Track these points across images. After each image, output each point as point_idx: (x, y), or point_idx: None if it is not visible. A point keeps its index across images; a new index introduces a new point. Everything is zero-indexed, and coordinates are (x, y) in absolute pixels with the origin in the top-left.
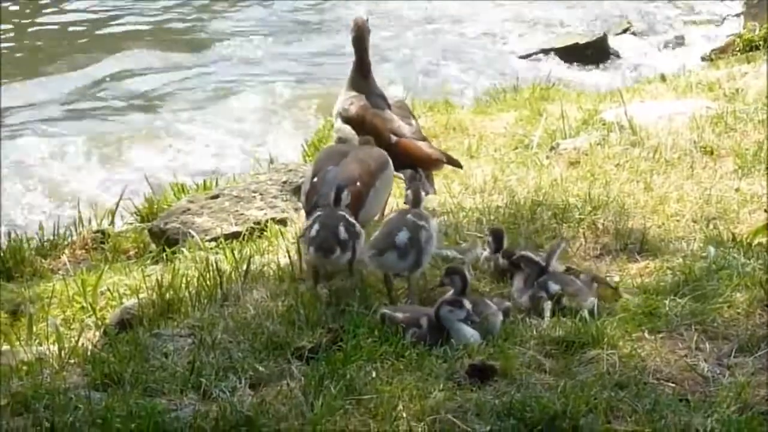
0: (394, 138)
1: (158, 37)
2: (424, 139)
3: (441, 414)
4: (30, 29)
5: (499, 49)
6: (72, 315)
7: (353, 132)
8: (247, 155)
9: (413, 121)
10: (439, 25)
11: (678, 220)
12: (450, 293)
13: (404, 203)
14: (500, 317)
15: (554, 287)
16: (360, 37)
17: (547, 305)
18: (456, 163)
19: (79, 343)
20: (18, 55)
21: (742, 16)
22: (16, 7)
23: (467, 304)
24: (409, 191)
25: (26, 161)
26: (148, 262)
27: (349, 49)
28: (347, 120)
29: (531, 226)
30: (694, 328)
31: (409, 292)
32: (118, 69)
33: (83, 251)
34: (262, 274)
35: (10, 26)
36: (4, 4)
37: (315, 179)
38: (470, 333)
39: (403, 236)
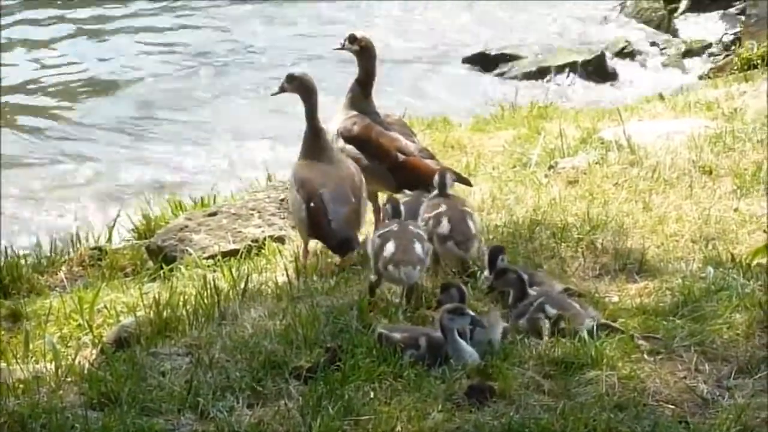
0: (401, 157)
1: (153, 49)
2: (431, 157)
3: None
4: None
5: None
6: (69, 332)
7: (357, 151)
8: (243, 172)
9: (416, 139)
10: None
11: (677, 241)
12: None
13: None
14: (501, 328)
15: (551, 311)
16: (371, 55)
17: (545, 324)
18: (465, 181)
19: (76, 362)
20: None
21: (739, 35)
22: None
23: (470, 311)
24: (388, 205)
25: (24, 177)
26: (146, 279)
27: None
28: (350, 139)
29: (530, 245)
30: (694, 350)
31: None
32: (113, 83)
33: (80, 268)
34: (260, 292)
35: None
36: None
37: (312, 204)
38: (469, 352)
39: (419, 248)
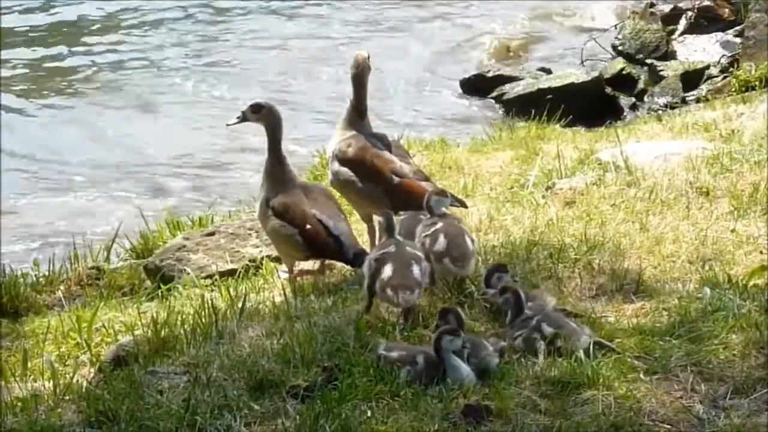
0: (396, 179)
1: (146, 58)
2: (426, 178)
3: None
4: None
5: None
6: (67, 351)
7: (351, 174)
8: (241, 191)
9: (411, 161)
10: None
11: (674, 261)
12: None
13: (380, 231)
14: (497, 358)
15: (548, 329)
16: (360, 74)
17: (541, 346)
18: (461, 203)
19: (74, 380)
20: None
21: (737, 57)
22: None
23: (462, 334)
24: (381, 218)
25: (22, 195)
26: (144, 298)
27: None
28: (345, 161)
29: (527, 265)
30: (690, 370)
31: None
32: (110, 98)
33: (78, 287)
34: (258, 311)
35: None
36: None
37: (309, 227)
38: (466, 372)
39: (417, 270)
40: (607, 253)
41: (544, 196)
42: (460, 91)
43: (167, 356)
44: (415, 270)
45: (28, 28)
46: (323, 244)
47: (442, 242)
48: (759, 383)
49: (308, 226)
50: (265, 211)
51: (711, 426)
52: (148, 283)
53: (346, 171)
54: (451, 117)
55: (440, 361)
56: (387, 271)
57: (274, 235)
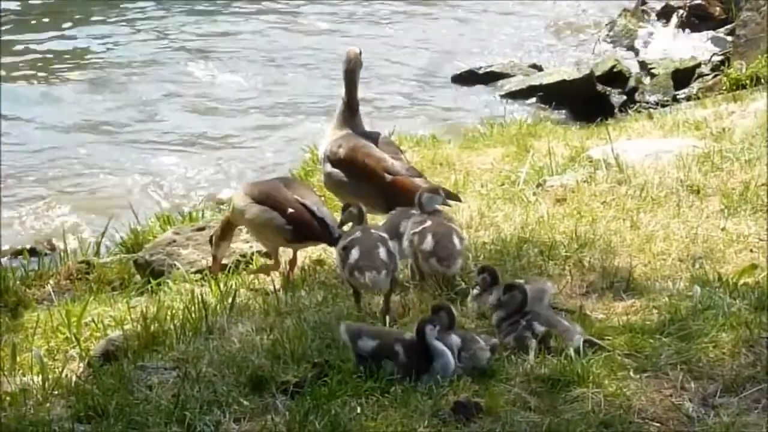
0: (388, 177)
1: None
2: (419, 175)
3: None
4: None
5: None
6: (56, 345)
7: (343, 175)
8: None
9: (403, 157)
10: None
11: (664, 259)
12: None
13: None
14: (488, 354)
15: (539, 328)
16: (352, 70)
17: (532, 344)
18: (455, 198)
19: (63, 375)
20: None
21: (728, 55)
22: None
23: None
24: (352, 208)
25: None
26: (133, 293)
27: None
28: (336, 163)
29: (517, 262)
30: (680, 368)
31: (387, 309)
32: (101, 98)
33: (68, 281)
34: (248, 307)
35: None
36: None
37: (292, 210)
38: (453, 361)
39: (383, 252)
40: (597, 251)
41: (535, 193)
42: (452, 86)
43: (157, 351)
44: (382, 251)
45: None
46: (308, 227)
47: (429, 242)
48: (749, 382)
49: (290, 210)
50: (245, 200)
51: (700, 424)
52: (137, 277)
53: (338, 172)
54: (442, 113)
55: (426, 349)
56: (354, 254)
57: (256, 222)
